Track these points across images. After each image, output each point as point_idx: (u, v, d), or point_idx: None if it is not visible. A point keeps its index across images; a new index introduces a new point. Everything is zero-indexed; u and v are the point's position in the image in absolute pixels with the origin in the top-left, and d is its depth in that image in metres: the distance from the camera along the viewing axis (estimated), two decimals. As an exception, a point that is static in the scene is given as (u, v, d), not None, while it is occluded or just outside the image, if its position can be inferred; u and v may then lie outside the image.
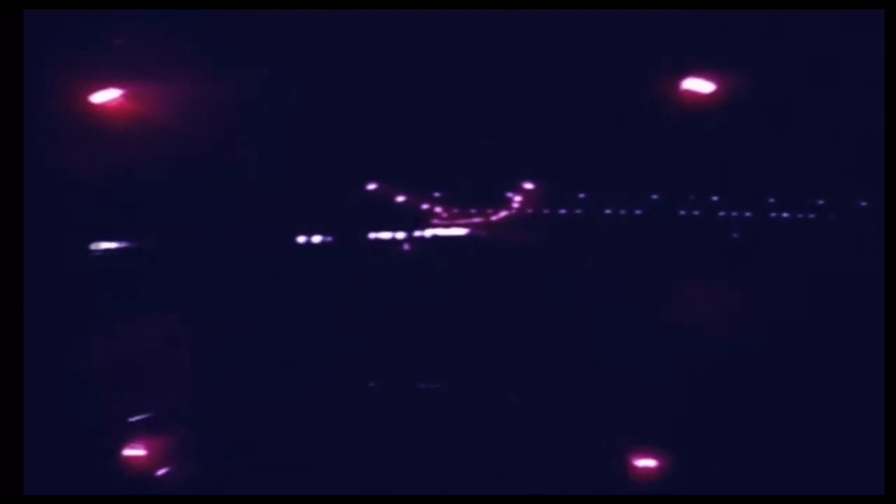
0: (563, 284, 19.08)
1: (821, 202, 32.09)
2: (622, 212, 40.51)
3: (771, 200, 34.41)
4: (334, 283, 19.76)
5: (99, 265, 17.44)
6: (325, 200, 28.61)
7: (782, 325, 11.46)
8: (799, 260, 22.15)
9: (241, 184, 19.89)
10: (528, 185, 39.95)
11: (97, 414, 4.23)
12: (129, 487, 2.69)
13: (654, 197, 36.67)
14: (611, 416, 3.40)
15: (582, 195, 41.84)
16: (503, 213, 60.37)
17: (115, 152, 13.39)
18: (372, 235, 42.84)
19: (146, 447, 3.01)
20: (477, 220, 64.81)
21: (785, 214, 34.45)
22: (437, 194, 51.58)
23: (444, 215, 62.61)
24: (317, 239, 34.00)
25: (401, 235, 47.13)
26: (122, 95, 11.74)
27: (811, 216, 32.22)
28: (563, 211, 45.24)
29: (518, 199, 49.79)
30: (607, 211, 41.31)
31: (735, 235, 33.66)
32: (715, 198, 35.12)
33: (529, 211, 50.27)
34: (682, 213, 36.27)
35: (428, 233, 54.79)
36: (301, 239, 32.55)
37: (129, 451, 2.99)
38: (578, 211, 43.57)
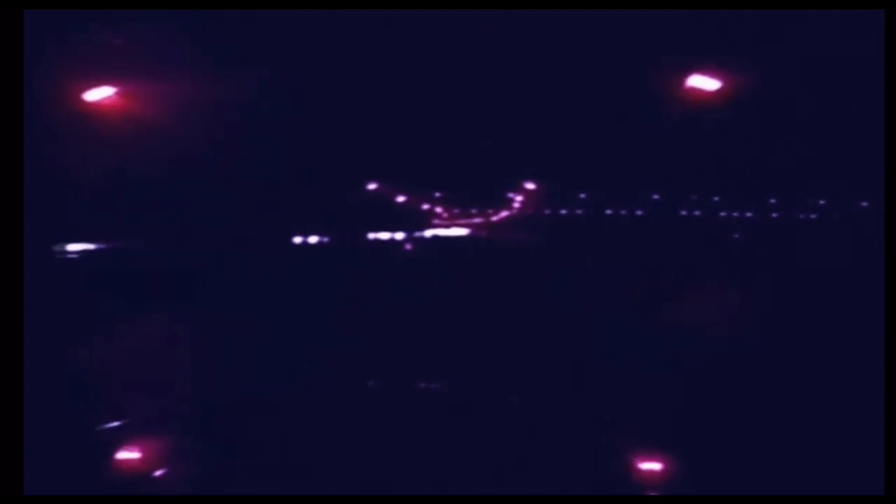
0: (564, 284, 19.07)
1: (822, 202, 32.05)
2: (623, 212, 40.47)
3: (772, 201, 34.36)
4: (334, 283, 19.75)
5: (98, 265, 17.43)
6: (326, 200, 28.59)
7: (783, 325, 11.46)
8: (800, 260, 22.14)
9: (241, 184, 19.88)
10: (529, 185, 39.93)
11: (97, 414, 4.22)
12: (128, 487, 2.69)
13: (655, 197, 36.63)
14: (611, 416, 3.40)
15: (583, 195, 41.80)
16: (504, 214, 60.32)
17: (114, 152, 13.39)
18: (372, 235, 42.81)
19: (146, 447, 3.01)
20: (477, 220, 64.76)
21: (786, 215, 34.40)
22: (437, 194, 51.53)
23: (445, 215, 62.57)
24: (317, 239, 33.99)
25: (401, 235, 47.09)
26: (122, 95, 11.74)
27: (812, 216, 32.17)
28: (563, 211, 45.20)
29: (519, 199, 49.76)
30: (608, 211, 41.27)
31: (736, 235, 33.63)
32: (716, 198, 35.08)
33: (530, 211, 50.23)
34: (684, 213, 36.23)
35: (428, 233, 54.75)
36: (301, 239, 32.54)
37: (128, 452, 2.99)
38: (579, 211, 43.53)
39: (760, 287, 16.95)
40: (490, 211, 63.15)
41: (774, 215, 34.35)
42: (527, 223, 49.37)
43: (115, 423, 3.18)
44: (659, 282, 17.03)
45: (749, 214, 35.34)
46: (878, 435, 3.06)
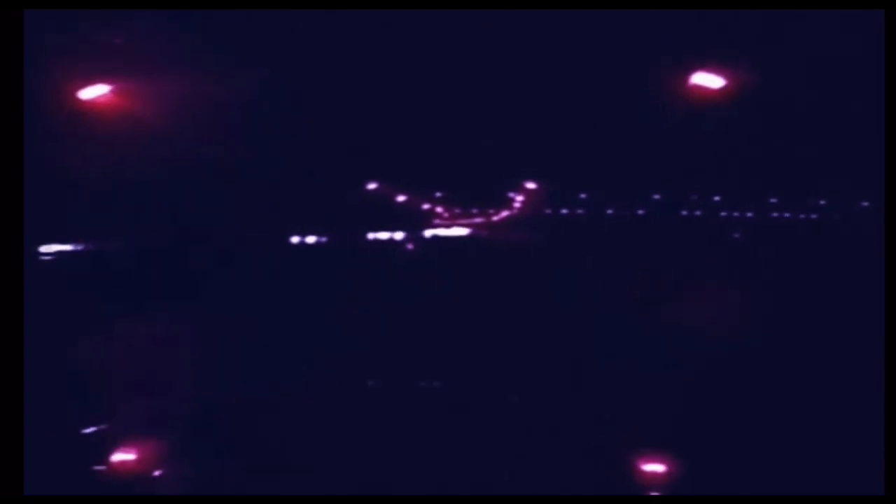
0: (565, 284, 19.05)
1: (823, 202, 32.00)
2: (624, 212, 40.42)
3: (773, 201, 34.32)
4: (334, 283, 19.74)
5: (98, 265, 17.42)
6: (326, 200, 28.56)
7: (783, 325, 11.45)
8: (800, 260, 22.12)
9: (241, 183, 19.86)
10: (530, 185, 39.88)
11: (97, 414, 4.23)
12: (128, 487, 2.69)
13: (656, 197, 36.59)
14: (611, 416, 3.40)
15: (583, 195, 41.74)
16: (505, 213, 60.23)
17: (114, 152, 13.37)
18: (372, 235, 42.74)
19: (146, 447, 3.01)
20: (478, 220, 64.64)
21: (787, 215, 34.35)
22: (438, 194, 51.43)
23: (446, 215, 62.45)
24: (317, 239, 33.95)
25: (402, 235, 47.02)
26: (121, 95, 11.73)
27: (813, 216, 32.12)
28: (564, 211, 45.13)
29: (520, 198, 49.70)
30: (609, 211, 41.21)
31: (736, 235, 33.59)
32: (717, 198, 35.03)
33: (531, 211, 50.14)
34: (684, 213, 36.18)
35: (429, 233, 54.68)
36: (300, 239, 32.49)
37: (128, 452, 2.99)
38: (580, 211, 43.47)
39: (761, 287, 16.92)
40: (491, 211, 63.05)
41: (775, 215, 34.30)
42: (527, 223, 49.30)
43: (115, 424, 3.19)
44: (659, 282, 17.01)
45: (750, 214, 35.28)
46: (878, 435, 3.06)
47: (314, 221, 31.31)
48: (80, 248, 17.40)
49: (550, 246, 34.74)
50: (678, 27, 10.38)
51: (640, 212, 38.71)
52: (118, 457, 2.99)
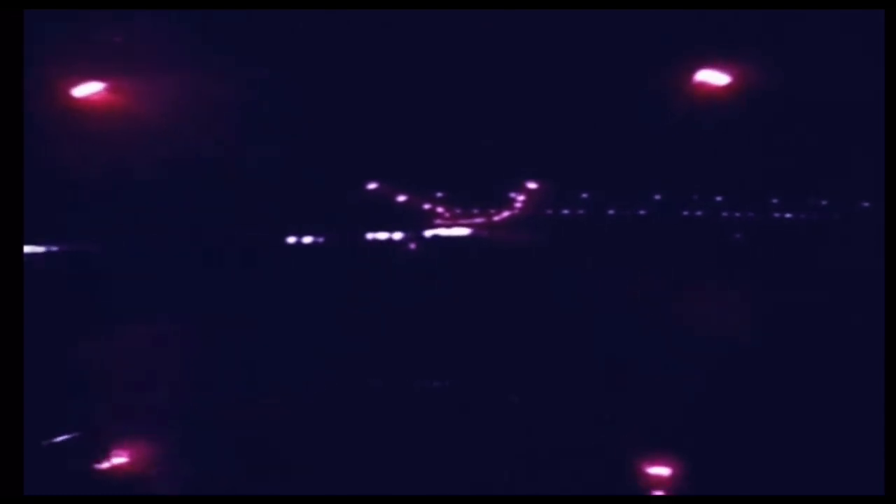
0: (566, 285, 19.07)
1: (824, 203, 32.06)
2: (625, 212, 40.49)
3: (774, 201, 34.38)
4: (335, 283, 19.75)
5: (98, 265, 17.44)
6: (326, 200, 28.59)
7: (784, 325, 11.46)
8: (802, 260, 22.14)
9: (241, 183, 19.89)
10: (531, 185, 39.95)
11: (97, 414, 4.23)
12: (128, 488, 2.69)
13: (657, 197, 36.65)
14: (611, 416, 3.40)
15: (585, 195, 41.82)
16: (506, 214, 60.32)
17: (114, 152, 13.40)
18: (372, 235, 42.79)
19: (145, 447, 3.01)
20: (479, 220, 64.71)
21: (788, 215, 34.41)
22: (439, 194, 51.53)
23: (447, 215, 62.52)
24: (317, 239, 33.98)
25: (402, 235, 47.07)
26: (121, 94, 11.75)
27: (814, 216, 32.18)
28: (566, 211, 45.20)
29: (521, 198, 49.78)
30: (610, 211, 41.28)
31: (738, 236, 33.64)
32: (718, 198, 35.10)
33: (532, 211, 50.21)
34: (686, 213, 36.25)
35: (430, 233, 54.71)
36: (300, 239, 32.53)
37: (128, 452, 2.99)
38: (581, 211, 43.55)
39: (762, 287, 16.94)
40: (492, 211, 63.13)
41: (776, 215, 34.37)
42: (529, 223, 49.37)
43: (115, 424, 3.19)
44: (660, 282, 17.02)
45: (751, 214, 35.36)
46: (878, 435, 3.06)
47: (314, 221, 31.33)
48: (80, 247, 17.42)
49: (551, 246, 34.79)
50: (679, 28, 10.40)
51: (642, 212, 38.78)
52: (118, 457, 2.99)
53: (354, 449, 2.87)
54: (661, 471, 2.86)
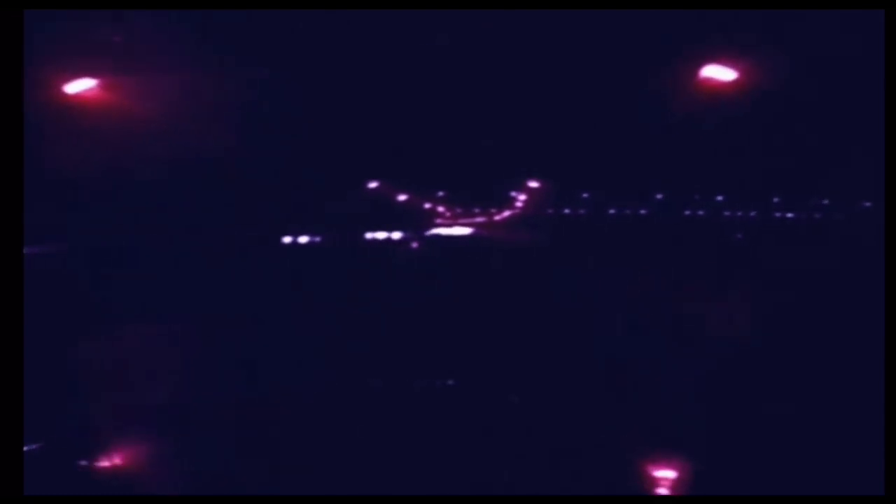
0: (567, 284, 19.06)
1: (825, 202, 32.03)
2: (626, 211, 40.47)
3: (775, 200, 34.36)
4: (335, 283, 19.76)
5: (98, 265, 17.44)
6: (326, 200, 28.60)
7: (785, 325, 11.45)
8: (803, 260, 22.12)
9: (241, 183, 19.89)
10: (533, 184, 39.95)
11: (97, 414, 4.23)
12: (128, 488, 2.69)
13: (658, 197, 36.64)
14: (612, 416, 3.40)
15: (586, 195, 41.81)
16: (507, 213, 60.32)
17: (114, 151, 13.40)
18: (373, 235, 42.77)
19: (145, 447, 3.01)
20: (480, 219, 64.70)
21: (790, 214, 34.39)
22: (440, 193, 51.54)
23: (448, 215, 62.51)
24: (316, 238, 33.97)
25: (403, 235, 47.05)
26: (122, 95, 11.76)
27: (816, 216, 32.15)
28: (567, 210, 45.20)
29: (522, 198, 49.78)
30: (611, 211, 41.26)
31: (739, 236, 33.62)
32: (719, 198, 35.08)
33: (533, 210, 50.21)
34: (687, 213, 36.23)
35: (430, 232, 54.71)
36: (301, 238, 32.53)
37: (128, 452, 2.99)
38: (582, 211, 43.54)
39: (763, 287, 16.93)
40: (493, 210, 63.13)
41: (778, 215, 34.34)
42: (529, 222, 49.36)
43: (115, 423, 3.19)
44: (661, 282, 17.02)
45: (752, 214, 35.33)
46: (878, 435, 3.06)
47: (314, 221, 31.33)
48: (79, 247, 17.42)
49: (552, 245, 34.79)
50: (679, 28, 10.40)
51: (643, 211, 38.76)
52: (118, 457, 2.99)
53: (354, 449, 2.87)
54: (660, 470, 2.86)
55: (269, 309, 13.96)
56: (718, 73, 11.80)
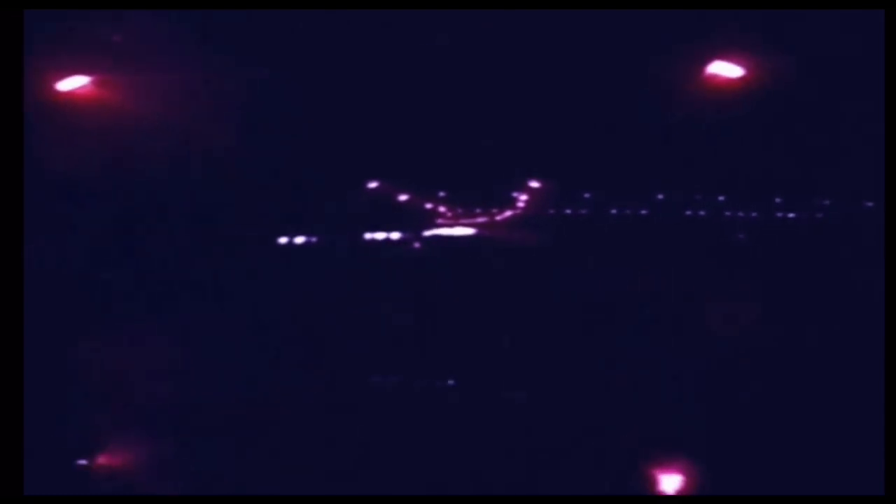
0: (568, 284, 19.05)
1: (827, 202, 31.96)
2: (627, 211, 40.39)
3: (777, 200, 34.28)
4: (335, 283, 19.75)
5: (98, 265, 17.44)
6: (326, 200, 28.56)
7: (786, 325, 11.44)
8: (805, 260, 22.10)
9: (242, 183, 19.87)
10: (534, 185, 39.87)
11: (96, 415, 4.23)
12: (127, 488, 2.69)
13: (660, 197, 36.56)
14: (613, 415, 3.40)
15: (587, 195, 41.72)
16: (508, 213, 60.20)
17: (113, 151, 13.39)
18: (374, 235, 42.72)
19: (145, 448, 3.01)
20: (482, 219, 64.60)
21: (791, 214, 34.31)
22: (441, 193, 51.42)
23: (449, 215, 62.43)
24: (318, 239, 33.95)
25: (404, 235, 47.01)
26: (122, 94, 11.75)
27: (818, 216, 32.07)
28: (568, 211, 45.11)
29: (523, 198, 49.70)
30: (613, 211, 41.18)
31: (741, 235, 33.56)
32: (721, 198, 35.00)
33: (534, 211, 50.12)
34: (688, 213, 36.15)
35: (431, 232, 54.67)
36: (301, 239, 32.49)
37: (127, 452, 2.99)
38: (583, 211, 43.44)
39: (764, 287, 16.91)
40: (494, 210, 63.05)
41: (779, 215, 34.25)
42: (531, 223, 49.33)
43: (114, 424, 3.19)
44: (662, 282, 17.00)
45: (754, 214, 35.24)
46: (878, 435, 3.06)
47: (315, 221, 31.32)
48: (79, 247, 17.41)
49: (554, 246, 34.75)
50: (680, 28, 10.38)
51: (644, 211, 38.67)
52: (117, 457, 2.99)
53: (355, 449, 2.86)
54: (660, 470, 2.86)
55: (269, 309, 13.95)
56: (719, 73, 11.79)
